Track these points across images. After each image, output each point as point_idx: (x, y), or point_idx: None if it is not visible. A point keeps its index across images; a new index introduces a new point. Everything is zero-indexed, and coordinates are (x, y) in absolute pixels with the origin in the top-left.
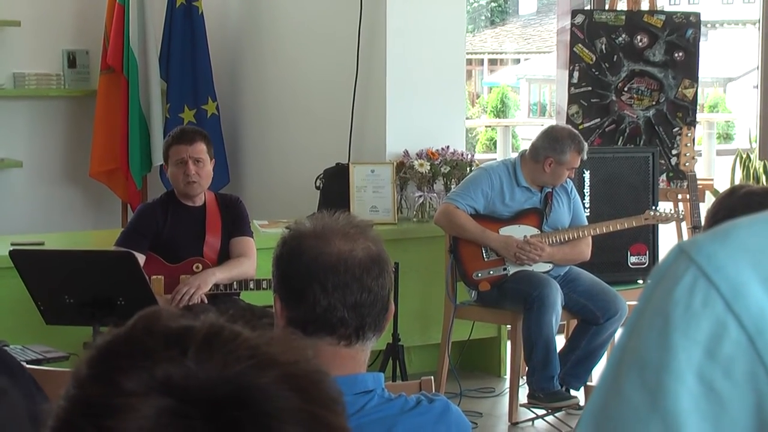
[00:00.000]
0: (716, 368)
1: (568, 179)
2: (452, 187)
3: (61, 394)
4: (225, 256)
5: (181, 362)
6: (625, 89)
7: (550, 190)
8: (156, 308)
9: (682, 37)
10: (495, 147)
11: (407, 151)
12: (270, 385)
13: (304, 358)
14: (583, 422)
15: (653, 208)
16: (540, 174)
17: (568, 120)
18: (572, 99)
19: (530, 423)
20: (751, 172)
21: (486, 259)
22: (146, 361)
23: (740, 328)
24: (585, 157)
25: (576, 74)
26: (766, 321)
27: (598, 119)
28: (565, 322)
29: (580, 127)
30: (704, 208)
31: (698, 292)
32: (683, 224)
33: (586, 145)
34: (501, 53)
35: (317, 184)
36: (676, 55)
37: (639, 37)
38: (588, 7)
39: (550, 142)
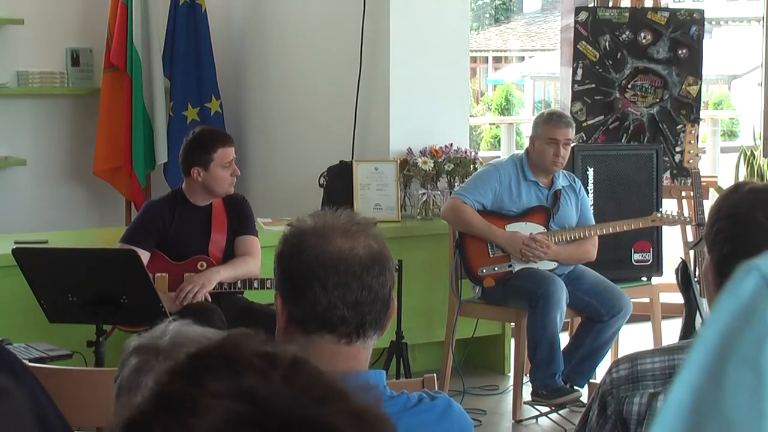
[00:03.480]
0: None
1: (576, 179)
2: (456, 184)
3: (142, 393)
4: (230, 254)
5: (268, 377)
6: (629, 86)
7: (560, 188)
8: (248, 331)
9: (686, 34)
10: (499, 145)
11: (411, 149)
12: (341, 414)
13: (374, 403)
14: None
15: (660, 209)
16: (533, 158)
17: (572, 117)
18: (576, 96)
19: (534, 420)
20: (756, 169)
21: (491, 256)
22: (236, 369)
23: None
24: (564, 127)
25: (580, 71)
26: None
27: (602, 116)
28: (569, 320)
29: (584, 124)
30: (708, 205)
31: None
32: None
33: (566, 116)
34: (505, 51)
35: (321, 182)
36: (680, 52)
37: (643, 34)
38: (592, 5)
39: (533, 124)
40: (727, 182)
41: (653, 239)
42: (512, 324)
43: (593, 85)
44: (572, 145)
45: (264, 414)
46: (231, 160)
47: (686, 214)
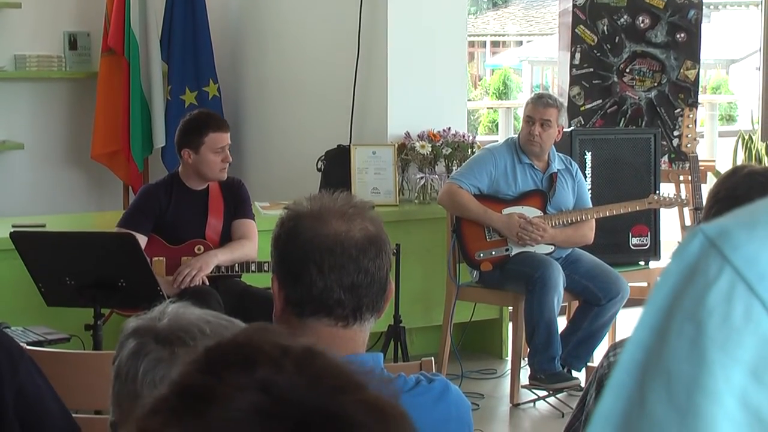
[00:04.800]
0: (765, 394)
1: (572, 163)
2: (454, 168)
3: (163, 385)
4: (227, 238)
5: (282, 367)
6: (627, 70)
7: (555, 171)
8: (266, 324)
9: (684, 17)
10: (497, 129)
11: (409, 133)
12: (357, 404)
13: (393, 393)
14: (598, 426)
15: (657, 192)
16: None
17: (570, 101)
18: (574, 80)
19: (532, 404)
20: (753, 153)
21: (488, 240)
22: (249, 361)
23: None
24: (542, 107)
25: (578, 55)
26: None
27: (600, 100)
28: (566, 304)
29: (582, 108)
30: (706, 189)
31: (738, 301)
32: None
33: (548, 96)
34: (503, 35)
35: (319, 166)
36: (678, 36)
37: (641, 18)
38: None
39: None
40: (724, 166)
41: (651, 223)
42: (510, 308)
43: (591, 69)
44: (571, 129)
45: (278, 404)
46: (224, 146)
47: (683, 197)
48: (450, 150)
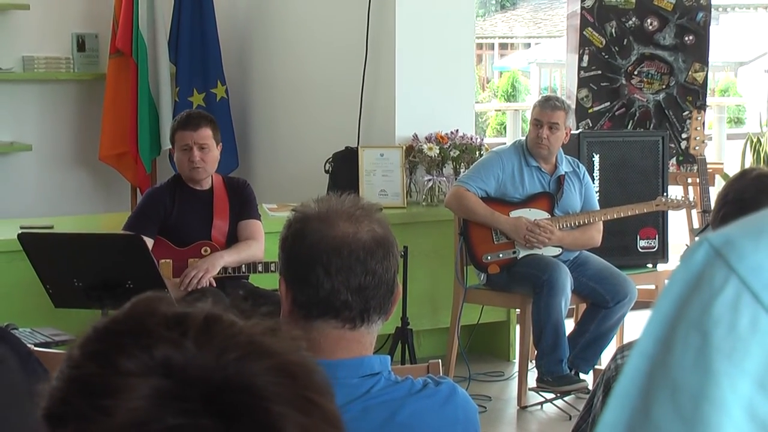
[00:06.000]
0: None
1: (580, 165)
2: (461, 171)
3: (55, 375)
4: (233, 239)
5: (180, 345)
6: (635, 73)
7: (563, 173)
8: (154, 293)
9: (692, 20)
10: (505, 131)
11: (416, 135)
12: (265, 371)
13: (297, 349)
14: None
15: (665, 194)
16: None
17: (578, 104)
18: (582, 83)
19: (539, 407)
20: (762, 155)
21: (496, 242)
22: (145, 343)
23: None
24: (550, 110)
25: (586, 58)
26: None
27: (608, 103)
28: (574, 306)
29: (590, 110)
30: (714, 192)
31: (744, 311)
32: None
33: (555, 99)
34: (511, 38)
35: (326, 168)
36: (687, 38)
37: (649, 21)
38: None
39: None
40: (733, 169)
41: (659, 226)
42: (517, 310)
43: (599, 72)
44: (579, 132)
45: (183, 384)
46: (187, 143)
47: (691, 199)
48: (458, 152)
